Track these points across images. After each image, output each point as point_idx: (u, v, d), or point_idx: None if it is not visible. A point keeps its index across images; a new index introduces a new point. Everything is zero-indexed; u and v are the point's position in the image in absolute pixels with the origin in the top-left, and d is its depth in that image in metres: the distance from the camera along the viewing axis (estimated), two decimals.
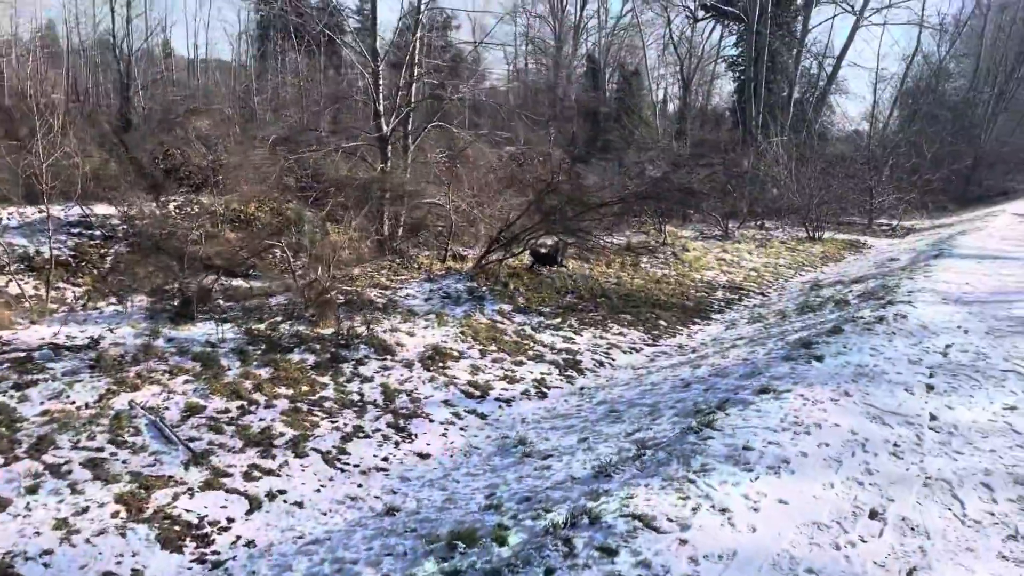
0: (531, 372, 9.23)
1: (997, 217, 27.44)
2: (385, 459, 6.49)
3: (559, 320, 11.73)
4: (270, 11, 25.75)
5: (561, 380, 9.13)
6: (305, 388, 7.85)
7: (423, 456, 6.60)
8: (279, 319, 9.77)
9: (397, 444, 6.81)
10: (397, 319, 10.52)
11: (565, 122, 43.19)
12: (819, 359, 7.32)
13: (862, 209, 29.16)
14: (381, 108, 14.99)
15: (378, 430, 7.04)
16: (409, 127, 15.61)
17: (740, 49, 40.19)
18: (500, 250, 13.57)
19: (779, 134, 32.82)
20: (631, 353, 10.59)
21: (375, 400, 7.80)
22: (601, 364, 9.95)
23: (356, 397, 7.82)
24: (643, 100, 41.51)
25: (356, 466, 6.32)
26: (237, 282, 11.10)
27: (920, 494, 4.71)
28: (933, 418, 5.99)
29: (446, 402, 7.96)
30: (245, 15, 43.09)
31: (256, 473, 6.09)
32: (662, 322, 12.26)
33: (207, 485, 5.85)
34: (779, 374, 6.94)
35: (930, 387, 6.80)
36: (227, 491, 5.82)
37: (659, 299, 13.81)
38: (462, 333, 10.19)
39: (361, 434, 6.92)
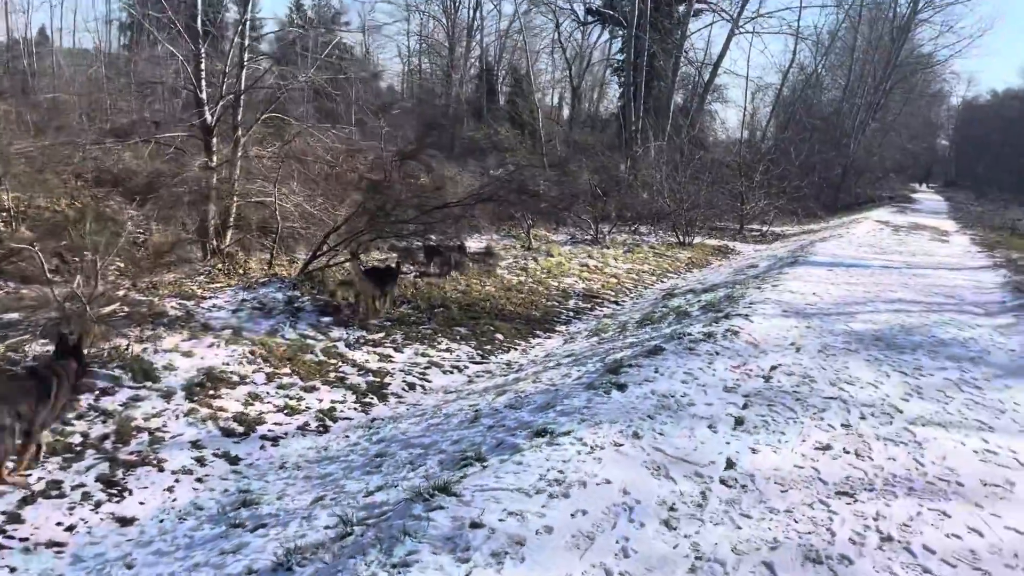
0: (321, 400, 7.89)
1: (860, 224, 27.74)
2: (71, 528, 5.04)
3: (382, 335, 10.44)
4: None
5: (355, 409, 7.83)
6: None
7: (125, 521, 5.17)
8: (26, 338, 8.12)
9: (97, 505, 5.35)
10: (182, 336, 9.00)
11: (455, 123, 42.00)
12: (621, 388, 6.28)
13: (734, 215, 29.04)
14: (204, 95, 13.35)
15: (81, 486, 5.57)
16: (239, 117, 14.01)
17: (624, 54, 39.91)
18: (327, 255, 12.18)
19: (657, 139, 32.52)
20: (452, 373, 9.40)
21: (100, 443, 6.32)
22: (412, 387, 8.72)
23: (77, 440, 6.32)
24: (530, 103, 40.65)
25: (24, 540, 4.85)
26: None
27: None
28: (730, 465, 5.00)
29: (195, 443, 6.55)
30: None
31: None
32: (499, 336, 11.13)
33: None
34: (571, 408, 5.85)
35: (739, 421, 5.84)
36: None
37: (505, 309, 12.70)
38: (251, 353, 8.76)
39: (55, 492, 5.44)
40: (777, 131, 42.85)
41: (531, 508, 4.04)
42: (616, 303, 14.49)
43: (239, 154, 13.89)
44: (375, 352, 9.72)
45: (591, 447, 4.97)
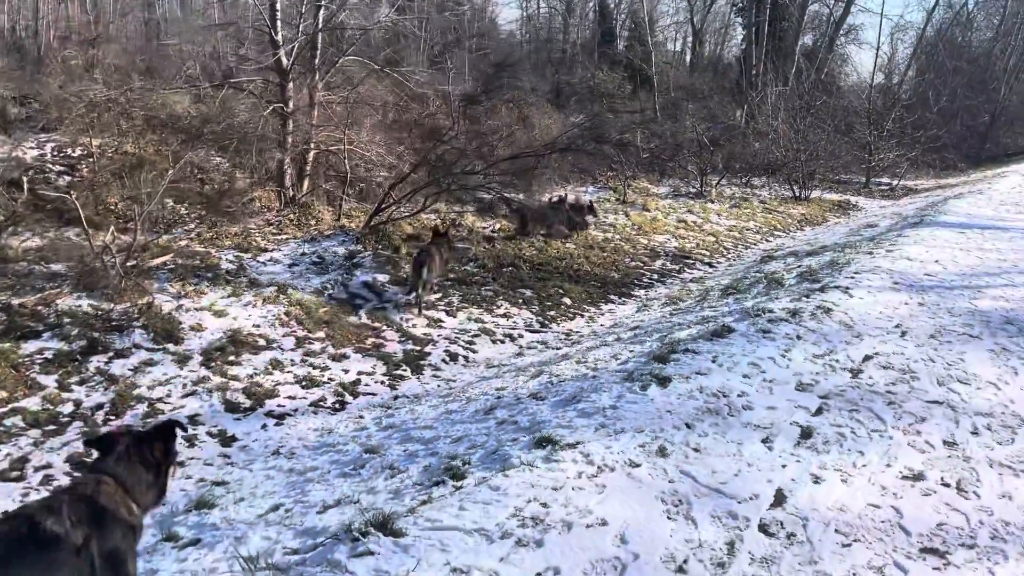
0: (347, 371, 7.13)
1: (1005, 178, 24.64)
2: None
3: (439, 295, 9.60)
4: None
5: (382, 383, 7.02)
6: (1, 394, 5.83)
7: None
8: (56, 291, 7.73)
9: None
10: (224, 292, 8.44)
11: (561, 67, 40.25)
12: (663, 382, 5.13)
13: (861, 167, 26.41)
14: (279, 37, 12.68)
15: (46, 467, 5.01)
16: (316, 61, 13.29)
17: None
18: (392, 208, 11.39)
19: (781, 84, 29.95)
20: (503, 342, 8.46)
21: (91, 415, 5.77)
22: (454, 359, 7.84)
23: (68, 409, 5.79)
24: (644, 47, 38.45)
25: None
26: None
27: None
28: (778, 500, 3.83)
29: (194, 418, 5.92)
30: None
31: None
32: (567, 300, 10.08)
33: None
34: (595, 407, 4.78)
35: (805, 434, 4.61)
36: None
37: (581, 270, 11.58)
38: (286, 314, 8.09)
39: (14, 474, 4.90)
40: (917, 75, 38.85)
41: (484, 563, 3.06)
42: (710, 265, 13.08)
43: (316, 99, 13.21)
44: (426, 315, 8.88)
45: (598, 467, 3.91)
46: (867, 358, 6.08)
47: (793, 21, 32.52)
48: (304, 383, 6.76)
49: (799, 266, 10.64)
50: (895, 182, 26.22)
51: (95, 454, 2.88)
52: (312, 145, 13.24)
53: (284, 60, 12.76)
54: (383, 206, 11.18)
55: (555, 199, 13.64)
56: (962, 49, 39.95)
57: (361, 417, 6.10)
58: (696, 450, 4.23)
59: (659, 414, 4.61)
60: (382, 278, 9.87)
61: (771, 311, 7.12)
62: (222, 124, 10.87)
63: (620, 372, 5.66)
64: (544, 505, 3.52)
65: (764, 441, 4.46)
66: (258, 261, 9.96)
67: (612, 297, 10.57)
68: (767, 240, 15.96)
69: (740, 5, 40.75)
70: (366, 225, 11.31)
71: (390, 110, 13.12)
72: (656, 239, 14.36)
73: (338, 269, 10.01)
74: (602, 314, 9.76)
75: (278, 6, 12.69)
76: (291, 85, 12.99)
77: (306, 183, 13.35)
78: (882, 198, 23.87)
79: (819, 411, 4.98)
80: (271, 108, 12.49)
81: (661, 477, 3.89)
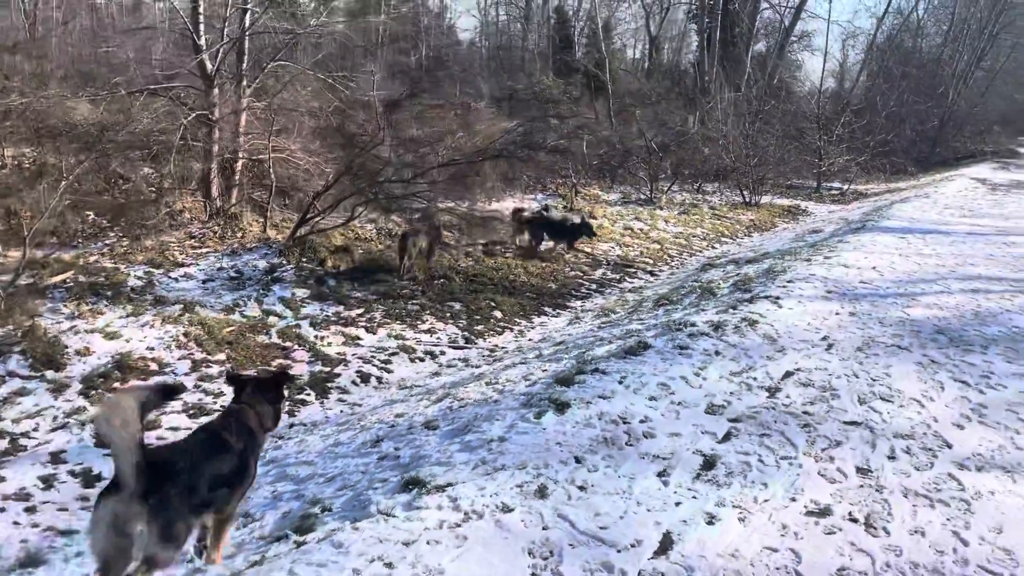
0: None
1: (952, 182, 24.78)
2: None
3: (362, 311, 9.11)
4: None
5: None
6: None
7: None
8: None
9: None
10: (123, 311, 7.87)
11: (528, 75, 39.89)
12: (561, 408, 4.71)
13: (813, 172, 26.38)
14: (203, 41, 12.11)
15: None
16: (244, 66, 12.73)
17: None
18: (318, 218, 10.88)
19: (732, 90, 29.93)
20: (422, 361, 7.98)
21: None
22: (365, 380, 7.34)
23: None
24: (599, 52, 38.26)
25: None
26: None
27: None
28: (664, 547, 3.41)
29: (57, 455, 5.34)
30: None
31: None
32: (498, 313, 9.63)
33: None
34: (482, 438, 4.34)
35: (708, 464, 4.21)
36: None
37: (517, 281, 11.16)
38: (186, 335, 7.54)
39: None
40: (868, 81, 39.16)
41: None
42: (651, 273, 12.73)
43: (243, 105, 12.64)
44: (343, 332, 8.39)
45: (464, 514, 3.46)
46: (787, 375, 5.72)
47: (744, 28, 32.55)
48: (192, 412, 6.21)
49: (737, 274, 10.32)
50: (846, 187, 26.23)
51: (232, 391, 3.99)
52: (241, 154, 12.69)
53: (208, 65, 12.20)
54: (307, 217, 10.65)
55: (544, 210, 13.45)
56: (912, 55, 40.36)
57: None
58: (582, 488, 3.80)
59: (548, 446, 4.18)
60: (301, 293, 9.35)
61: (693, 325, 6.74)
62: (122, 132, 10.23)
63: (523, 396, 5.21)
64: (388, 566, 3.05)
65: (660, 474, 4.04)
66: (170, 277, 9.39)
67: (546, 309, 10.16)
68: (713, 247, 15.70)
69: (693, 12, 40.87)
70: (290, 237, 10.77)
71: (322, 117, 12.56)
72: (600, 247, 14.00)
73: (256, 284, 9.47)
74: (533, 328, 9.33)
75: (200, 9, 12.14)
76: (216, 91, 12.42)
77: (235, 193, 12.78)
78: (832, 203, 23.81)
79: (727, 437, 4.59)
80: (194, 115, 11.90)
81: (535, 523, 3.45)
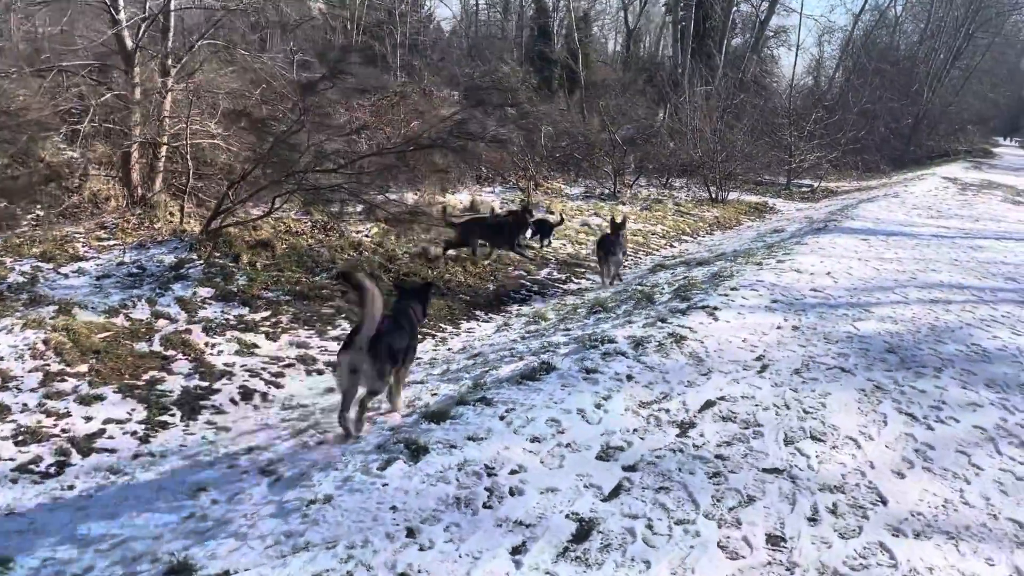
0: (90, 419, 5.63)
1: (923, 181, 24.11)
2: None
3: (268, 314, 8.18)
4: None
5: (135, 434, 5.53)
6: None
7: None
8: None
9: None
10: None
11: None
12: (416, 455, 3.82)
13: (785, 169, 25.64)
14: (122, 16, 11.04)
15: None
16: (169, 44, 11.69)
17: None
18: (234, 208, 9.92)
19: (704, 84, 29.12)
20: (320, 374, 7.03)
21: None
22: (247, 397, 6.40)
23: None
24: (570, 43, 37.30)
25: None
26: None
27: None
28: None
29: None
30: None
31: None
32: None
33: None
34: (300, 500, 3.45)
35: (581, 534, 3.35)
36: None
37: (452, 281, 10.26)
38: (45, 342, 6.59)
39: None
40: (843, 77, 38.49)
41: None
42: (599, 274, 11.86)
43: (169, 86, 11.59)
44: (239, 339, 7.46)
45: None
46: (707, 405, 4.87)
47: (718, 21, 31.71)
48: (22, 437, 5.27)
49: (685, 278, 9.49)
50: (816, 184, 25.53)
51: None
52: (166, 138, 11.67)
53: (128, 41, 11.17)
54: (221, 209, 9.69)
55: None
56: (888, 52, 39.72)
57: (71, 487, 4.66)
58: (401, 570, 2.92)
59: (378, 512, 3.30)
60: (204, 293, 8.41)
61: (612, 341, 5.88)
62: (32, 112, 9.23)
63: (385, 434, 4.33)
64: None
65: (515, 551, 3.17)
66: (59, 273, 8.43)
67: (477, 313, 9.27)
68: (672, 245, 14.89)
69: (670, 4, 39.98)
70: (204, 230, 9.81)
71: (248, 100, 11.58)
72: (552, 244, 13.12)
73: (155, 282, 8.52)
74: (458, 334, 8.44)
75: None
76: (138, 70, 11.40)
77: (158, 180, 11.79)
78: (802, 200, 23.09)
79: (615, 492, 3.73)
80: (109, 95, 10.89)
81: None
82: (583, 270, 11.94)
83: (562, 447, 4.07)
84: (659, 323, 6.46)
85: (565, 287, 10.87)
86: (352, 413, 4.62)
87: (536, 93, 32.10)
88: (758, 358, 5.88)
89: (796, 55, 31.72)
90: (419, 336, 8.23)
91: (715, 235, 16.37)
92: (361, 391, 4.57)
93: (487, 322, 8.99)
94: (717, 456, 4.19)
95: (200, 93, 11.11)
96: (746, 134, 22.44)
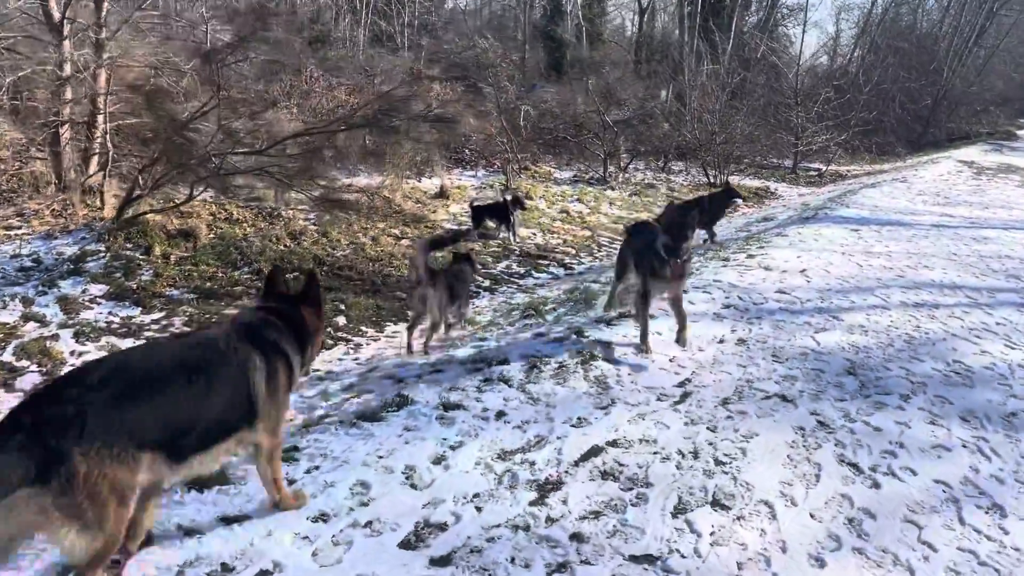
0: None
1: (936, 165, 22.56)
2: None
3: (163, 315, 7.21)
4: None
5: None
6: None
7: None
8: None
9: None
10: None
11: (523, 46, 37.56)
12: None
13: (793, 151, 24.23)
14: None
15: None
16: (103, 15, 10.67)
17: None
18: (145, 196, 8.94)
19: (711, 63, 27.66)
20: None
21: None
22: None
23: None
24: (580, 23, 35.87)
25: None
26: None
27: None
28: None
29: None
30: None
31: None
32: (342, 319, 7.71)
33: None
34: None
35: None
36: None
37: (392, 276, 9.23)
38: None
39: None
40: (861, 56, 36.65)
41: None
42: (564, 267, 10.75)
43: (103, 60, 10.58)
44: (116, 347, 6.48)
45: None
46: (590, 454, 3.78)
47: None
48: None
49: None
50: (825, 167, 24.10)
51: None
52: (100, 118, 10.69)
53: (55, 13, 10.19)
54: (132, 196, 8.70)
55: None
56: (908, 30, 37.80)
57: None
58: None
59: None
60: (97, 290, 7.46)
61: (504, 361, 4.81)
62: None
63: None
64: None
65: None
66: None
67: (411, 314, 8.20)
68: None
69: None
70: (116, 218, 8.85)
71: (161, 76, 10.50)
72: (519, 234, 12.00)
73: (45, 277, 7.57)
74: (378, 340, 7.39)
75: None
76: (68, 44, 10.41)
77: (93, 163, 10.83)
78: (807, 184, 21.72)
79: None
80: (29, 70, 9.94)
81: None
82: (548, 263, 10.83)
83: (357, 528, 3.00)
84: (573, 336, 5.36)
85: (520, 283, 9.77)
86: None
87: (543, 75, 30.89)
88: (681, 383, 4.77)
89: (803, 30, 29.92)
90: (330, 343, 7.25)
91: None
92: (426, 320, 6.22)
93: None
94: (574, 536, 3.11)
95: (125, 68, 10.06)
96: (748, 115, 21.04)
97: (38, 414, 2.07)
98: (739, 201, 12.00)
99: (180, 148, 7.79)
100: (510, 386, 4.39)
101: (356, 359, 6.76)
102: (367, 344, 7.28)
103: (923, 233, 10.82)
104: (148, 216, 9.00)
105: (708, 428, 4.17)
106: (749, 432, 4.16)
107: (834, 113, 24.42)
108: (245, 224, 10.28)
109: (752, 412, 4.43)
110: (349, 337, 7.35)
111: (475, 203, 12.03)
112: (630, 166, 19.46)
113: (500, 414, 4.06)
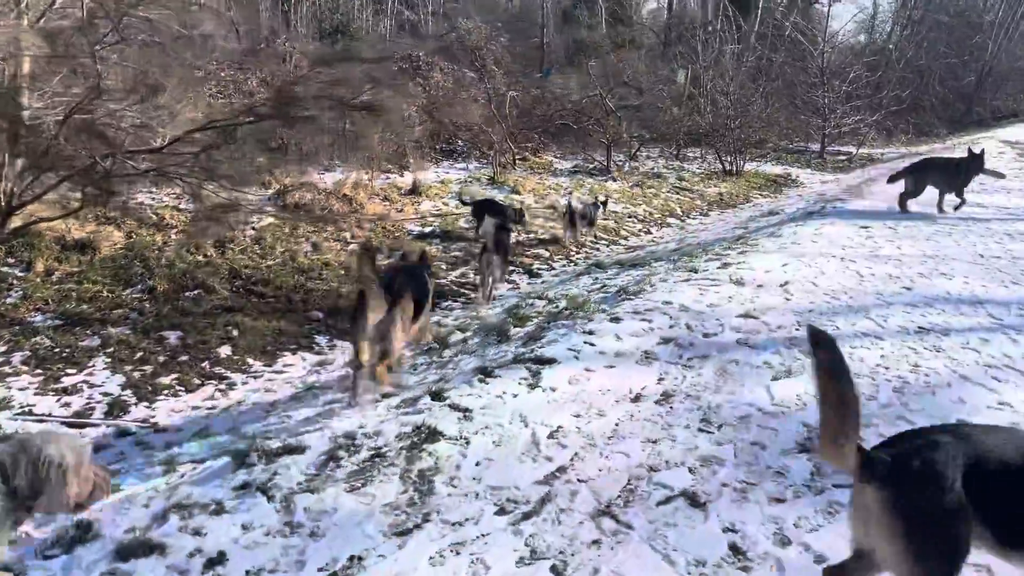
0: None
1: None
2: None
3: (3, 349, 5.96)
4: None
5: None
6: None
7: None
8: None
9: None
10: None
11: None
12: None
13: (818, 134, 22.22)
14: None
15: None
16: None
17: None
18: (31, 203, 7.70)
19: (734, 43, 25.67)
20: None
21: None
22: None
23: None
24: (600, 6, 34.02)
25: None
26: None
27: None
28: None
29: None
30: None
31: None
32: (227, 348, 6.37)
33: None
34: None
35: None
36: None
37: (314, 291, 7.86)
38: None
39: None
40: (899, 32, 34.02)
41: None
42: (529, 274, 9.26)
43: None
44: None
45: None
46: None
47: None
48: None
49: (601, 285, 6.86)
50: (855, 150, 22.04)
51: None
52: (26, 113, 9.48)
53: None
54: (15, 204, 7.48)
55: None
56: (950, 1, 34.97)
57: None
58: None
59: None
60: None
61: (297, 450, 3.37)
62: None
63: None
64: None
65: None
66: None
67: (317, 341, 6.82)
68: (648, 231, 12.12)
69: None
70: (2, 225, 7.62)
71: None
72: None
73: None
74: (261, 376, 6.04)
75: None
76: None
77: (19, 164, 9.64)
78: (834, 170, 19.77)
79: None
80: None
81: None
82: (512, 268, 9.32)
83: None
84: (425, 401, 3.89)
85: (474, 295, 8.29)
86: None
87: (567, 60, 29.17)
88: (548, 477, 3.27)
89: (829, 4, 27.54)
90: (196, 383, 5.89)
91: (709, 216, 13.48)
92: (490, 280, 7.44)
93: (319, 354, 6.54)
94: None
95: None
96: (769, 96, 19.10)
97: None
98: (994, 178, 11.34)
99: (37, 148, 6.51)
100: (270, 500, 2.94)
101: (212, 407, 5.40)
102: (250, 381, 5.93)
103: (947, 229, 9.04)
104: (42, 224, 7.79)
105: (552, 570, 2.68)
106: (618, 574, 2.66)
107: (865, 92, 22.28)
108: (170, 229, 9.08)
109: (637, 529, 2.93)
110: (227, 373, 6.00)
111: (474, 199, 10.74)
112: (641, 154, 17.81)
113: (218, 558, 2.62)
